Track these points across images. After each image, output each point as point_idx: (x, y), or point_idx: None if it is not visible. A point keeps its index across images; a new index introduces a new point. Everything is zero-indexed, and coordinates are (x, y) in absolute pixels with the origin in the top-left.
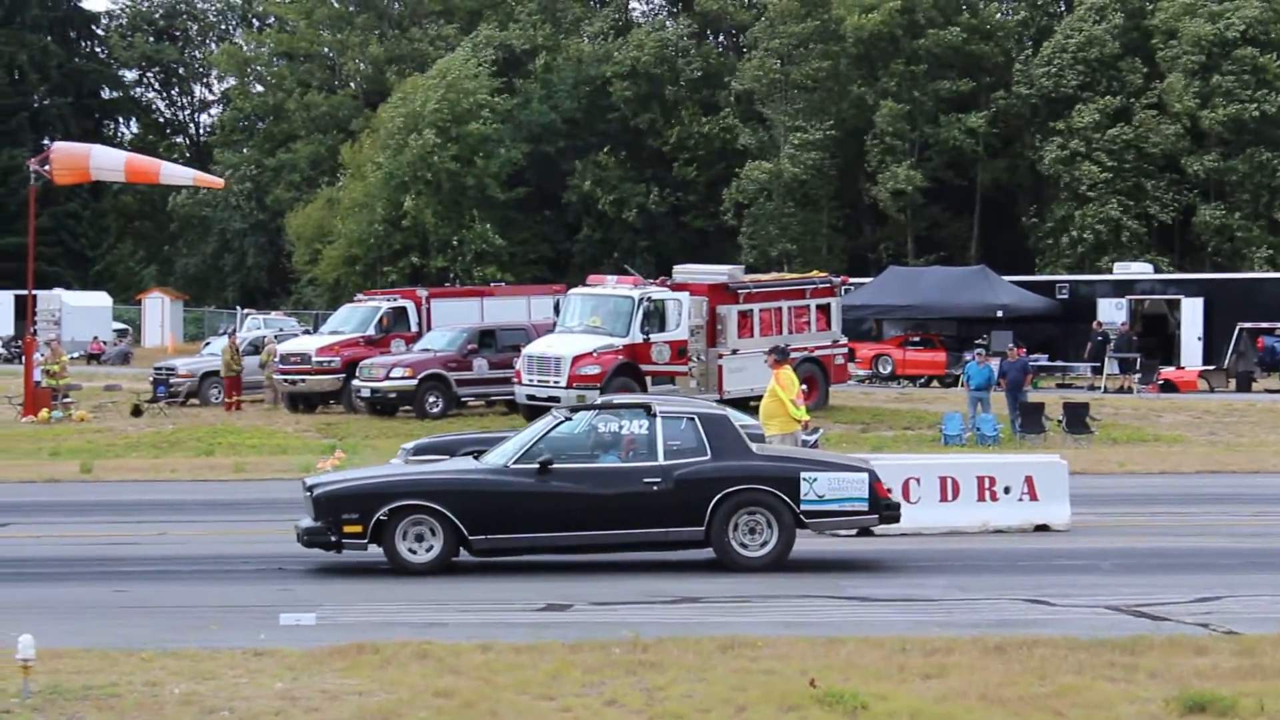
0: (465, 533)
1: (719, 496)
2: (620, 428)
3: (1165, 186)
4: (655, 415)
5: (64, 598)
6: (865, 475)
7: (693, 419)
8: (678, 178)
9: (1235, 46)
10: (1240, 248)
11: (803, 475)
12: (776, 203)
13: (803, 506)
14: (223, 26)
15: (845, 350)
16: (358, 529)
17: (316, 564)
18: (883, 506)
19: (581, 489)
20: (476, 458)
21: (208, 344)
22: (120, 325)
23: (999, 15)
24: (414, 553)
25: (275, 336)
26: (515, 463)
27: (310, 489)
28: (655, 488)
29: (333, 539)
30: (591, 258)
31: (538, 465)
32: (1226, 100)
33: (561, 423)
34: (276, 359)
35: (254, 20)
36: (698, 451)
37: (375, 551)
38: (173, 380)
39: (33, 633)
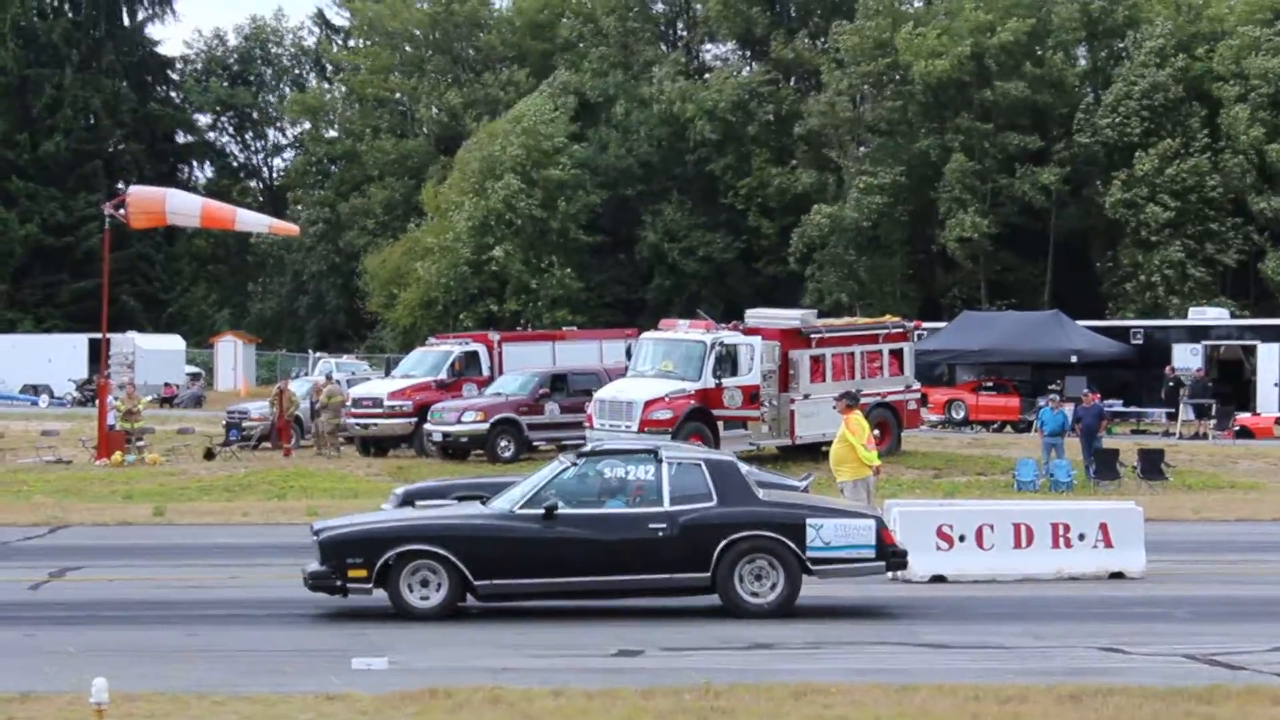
0: (470, 578)
1: (724, 543)
2: (627, 473)
3: (1231, 230)
4: (662, 461)
5: (137, 641)
6: (872, 522)
7: (699, 465)
8: (751, 225)
9: None
10: None
11: (809, 522)
12: (844, 247)
13: (809, 553)
14: (296, 71)
15: (918, 395)
16: (363, 573)
17: (389, 608)
18: (889, 553)
19: (587, 534)
20: (459, 502)
21: (286, 386)
22: (193, 369)
23: (1065, 63)
24: (419, 597)
25: (326, 380)
26: (521, 508)
27: (317, 533)
28: (660, 533)
29: (338, 583)
30: (663, 303)
31: (543, 510)
32: None
33: (568, 468)
34: (348, 403)
35: (327, 65)
36: (704, 497)
37: (380, 596)
38: (245, 424)
39: (106, 676)
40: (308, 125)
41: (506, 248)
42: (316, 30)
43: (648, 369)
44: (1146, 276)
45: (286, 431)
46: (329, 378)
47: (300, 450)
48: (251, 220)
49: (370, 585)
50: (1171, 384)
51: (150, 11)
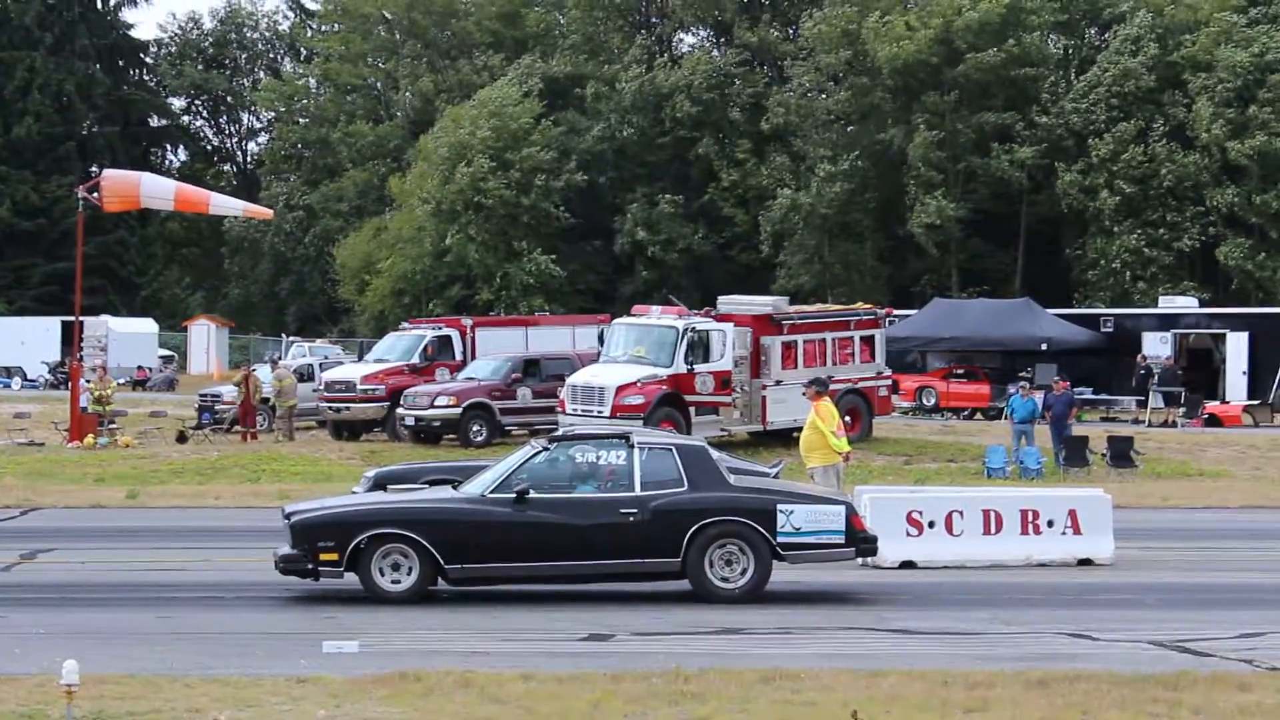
0: (441, 561)
1: (695, 528)
2: (598, 458)
3: (1189, 219)
4: (633, 446)
5: (109, 623)
6: (842, 508)
7: (670, 450)
8: (725, 215)
9: (1273, 71)
10: (1266, 285)
11: (779, 507)
12: (813, 234)
13: (779, 539)
14: (270, 55)
15: (889, 382)
16: (334, 557)
17: (360, 591)
18: (859, 539)
19: (558, 519)
20: (429, 485)
21: (253, 370)
22: (166, 352)
23: (1042, 42)
24: (390, 581)
25: (273, 366)
26: (492, 492)
27: (288, 516)
28: (631, 518)
29: (309, 566)
30: (642, 294)
31: (514, 495)
32: (1260, 131)
33: (540, 453)
34: (319, 386)
35: (302, 50)
36: (675, 483)
37: (351, 579)
38: (218, 407)
39: (77, 658)
40: (282, 109)
41: (470, 231)
42: (291, 15)
43: (620, 354)
44: (1108, 262)
45: (252, 416)
46: (274, 363)
47: (267, 434)
48: (226, 204)
49: (341, 569)
50: (1142, 372)
51: None
